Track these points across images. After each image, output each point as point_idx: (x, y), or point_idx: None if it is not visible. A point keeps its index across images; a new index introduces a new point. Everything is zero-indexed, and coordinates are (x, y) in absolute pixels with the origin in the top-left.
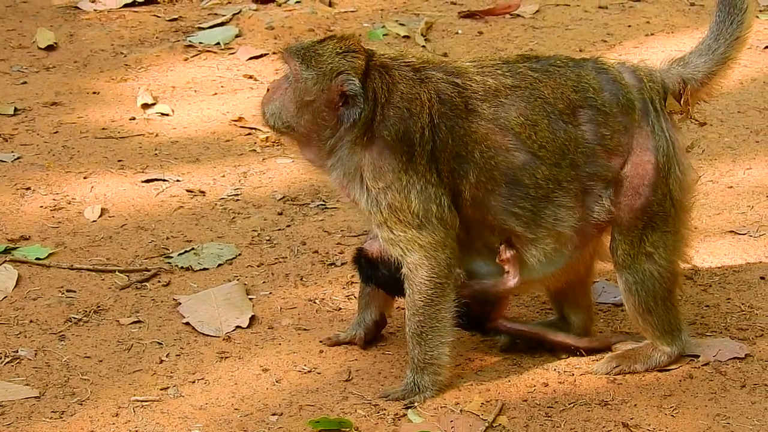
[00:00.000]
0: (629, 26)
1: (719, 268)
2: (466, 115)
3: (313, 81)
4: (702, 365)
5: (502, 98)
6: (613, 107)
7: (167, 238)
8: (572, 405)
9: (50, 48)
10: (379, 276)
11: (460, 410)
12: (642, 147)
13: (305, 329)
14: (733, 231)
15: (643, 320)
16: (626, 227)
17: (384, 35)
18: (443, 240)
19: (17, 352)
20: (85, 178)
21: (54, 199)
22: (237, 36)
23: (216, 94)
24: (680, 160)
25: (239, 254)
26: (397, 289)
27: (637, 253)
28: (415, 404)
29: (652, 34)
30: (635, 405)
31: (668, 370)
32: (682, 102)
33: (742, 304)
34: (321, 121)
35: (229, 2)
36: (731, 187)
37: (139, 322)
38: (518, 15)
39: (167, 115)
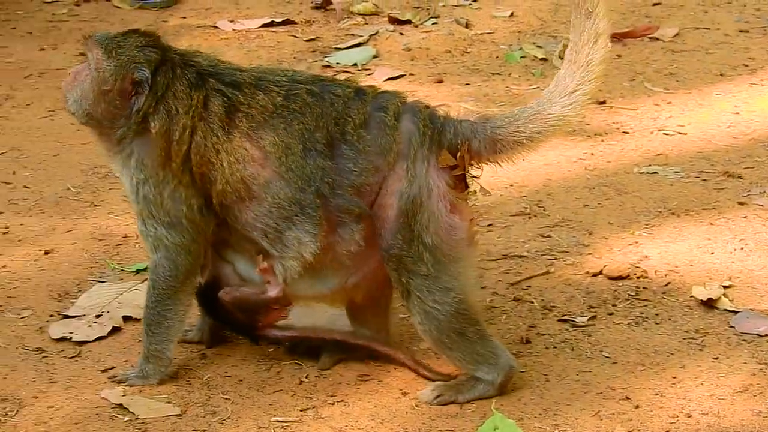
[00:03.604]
0: None
1: None
2: (224, 125)
3: (111, 71)
4: None
5: (266, 115)
6: (368, 146)
7: None
8: None
9: None
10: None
11: None
12: (389, 190)
13: None
14: None
15: (448, 357)
16: (391, 269)
17: (522, 57)
18: (188, 245)
19: None
20: None
21: None
22: (374, 57)
23: None
24: (434, 208)
25: None
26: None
27: (407, 298)
28: (137, 386)
29: None
30: None
31: None
32: (458, 157)
33: None
34: (115, 110)
35: (366, 23)
36: None
37: None
38: (657, 38)
39: None
